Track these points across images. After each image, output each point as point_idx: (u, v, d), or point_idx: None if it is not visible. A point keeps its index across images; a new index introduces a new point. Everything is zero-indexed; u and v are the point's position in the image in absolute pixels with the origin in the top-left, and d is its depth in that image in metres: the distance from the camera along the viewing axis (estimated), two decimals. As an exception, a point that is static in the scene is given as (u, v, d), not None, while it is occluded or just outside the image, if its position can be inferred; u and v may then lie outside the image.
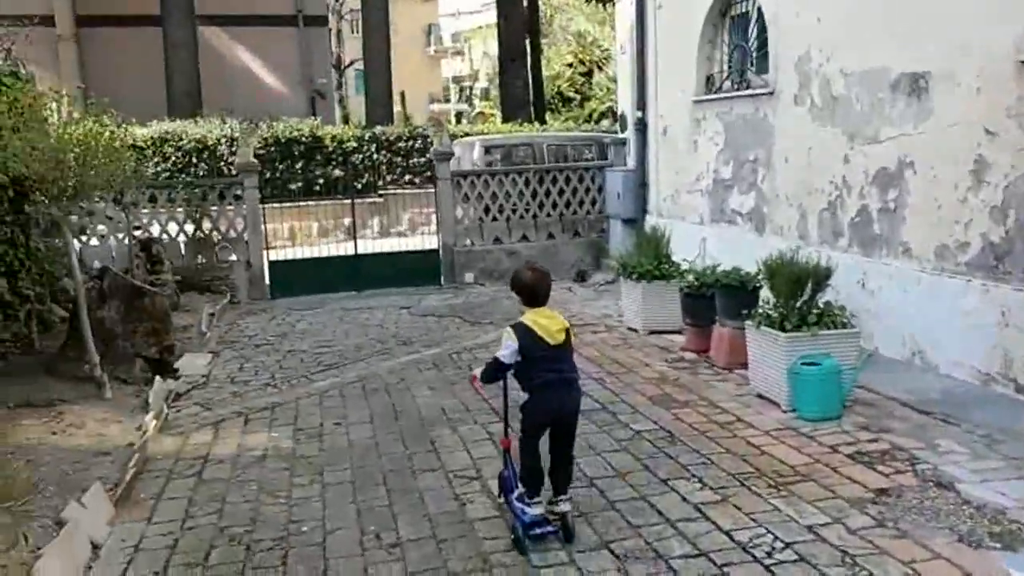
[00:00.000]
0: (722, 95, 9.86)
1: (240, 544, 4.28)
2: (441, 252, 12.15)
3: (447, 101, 50.67)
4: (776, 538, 4.05)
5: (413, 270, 11.99)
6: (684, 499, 4.55)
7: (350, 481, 5.07)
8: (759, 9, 9.04)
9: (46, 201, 6.45)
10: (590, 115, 29.10)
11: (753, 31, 9.36)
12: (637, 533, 4.17)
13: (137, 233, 10.76)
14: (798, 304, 6.08)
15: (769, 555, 3.89)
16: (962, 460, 4.91)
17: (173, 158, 15.82)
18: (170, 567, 4.07)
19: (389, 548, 4.15)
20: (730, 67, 9.92)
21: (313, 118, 18.52)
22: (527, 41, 24.45)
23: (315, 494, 4.90)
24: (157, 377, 7.00)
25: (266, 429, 6.13)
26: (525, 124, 19.85)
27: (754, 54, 9.40)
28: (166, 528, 4.52)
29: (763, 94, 8.86)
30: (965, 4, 6.24)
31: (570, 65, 32.21)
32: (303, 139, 16.60)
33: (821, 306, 6.18)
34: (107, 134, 6.78)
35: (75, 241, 8.25)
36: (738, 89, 9.60)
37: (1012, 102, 5.87)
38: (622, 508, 4.47)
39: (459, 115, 46.58)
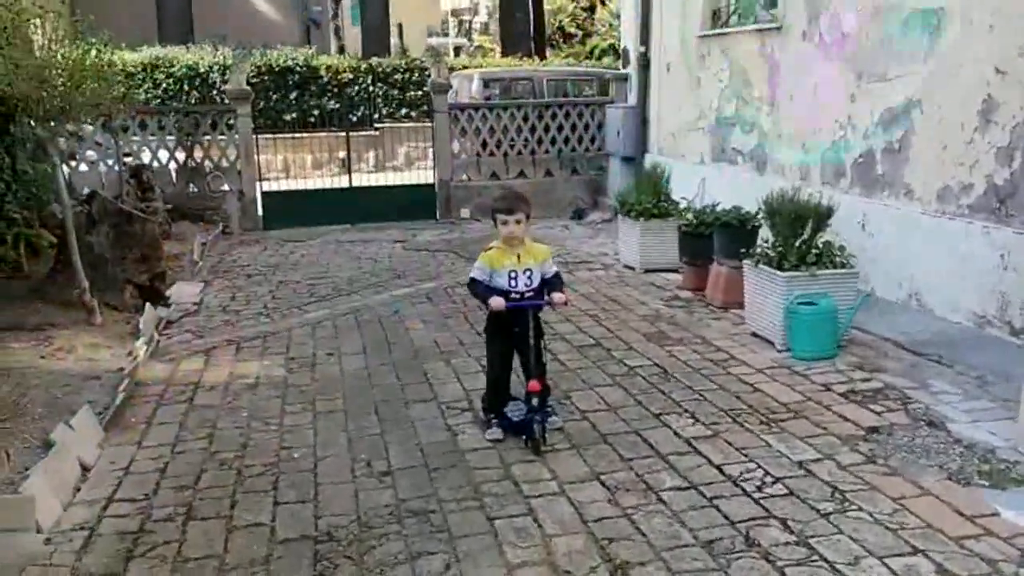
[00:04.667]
0: (728, 30, 9.63)
1: (230, 469, 4.26)
2: (437, 187, 12.01)
3: (446, 35, 49.56)
4: (767, 472, 4.05)
5: (408, 204, 11.86)
6: (676, 434, 4.54)
7: (342, 410, 5.05)
8: (768, -60, 8.78)
9: (31, 122, 6.28)
10: (592, 51, 28.55)
11: (762, -37, 9.10)
12: (628, 466, 4.16)
13: (127, 160, 10.59)
14: (798, 243, 6.01)
15: (759, 489, 3.89)
16: (954, 400, 4.91)
17: (164, 85, 15.54)
18: (160, 490, 4.06)
19: (380, 476, 4.14)
20: (737, 1, 9.67)
21: (308, 47, 18.16)
22: (528, -26, 23.89)
23: (306, 422, 4.88)
24: (148, 304, 6.93)
25: (258, 358, 6.09)
26: (525, 59, 19.49)
27: (762, -13, 9.16)
28: (156, 452, 4.49)
29: (770, 29, 8.65)
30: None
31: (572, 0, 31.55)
32: (297, 68, 16.29)
33: (821, 246, 6.11)
34: (94, 53, 6.56)
35: (64, 167, 8.09)
36: (745, 24, 9.38)
37: (1024, 41, 5.72)
38: (613, 442, 4.46)
39: (458, 49, 45.71)
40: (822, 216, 6.08)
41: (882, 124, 7.11)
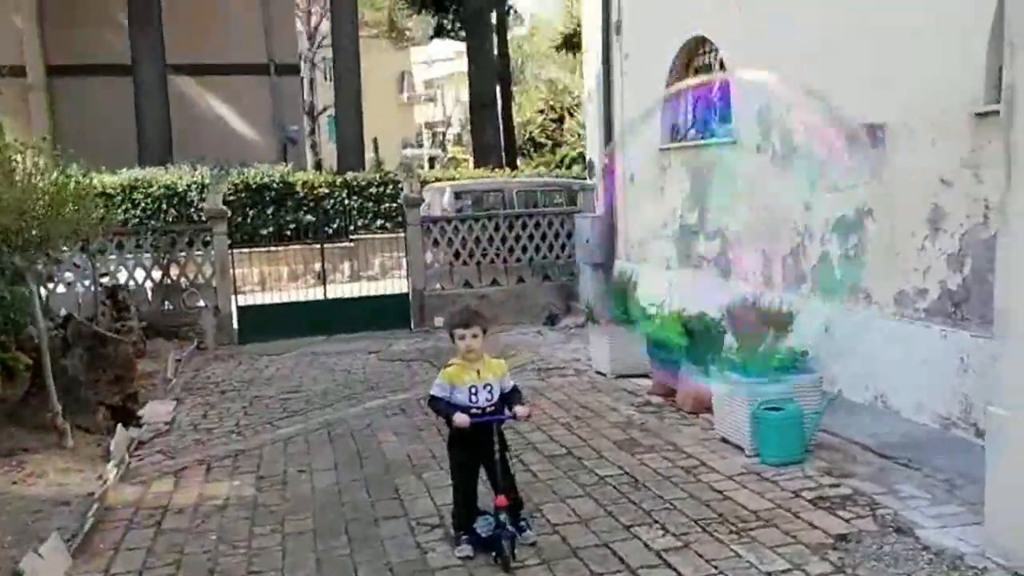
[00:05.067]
0: (687, 143, 10.05)
1: (198, 596, 4.22)
2: (411, 296, 12.18)
3: (420, 146, 50.97)
4: (737, 584, 4.07)
5: (383, 314, 11.99)
6: (646, 546, 4.55)
7: (311, 530, 5.02)
8: (721, 61, 9.27)
9: (10, 251, 6.40)
10: (562, 160, 29.41)
11: (716, 81, 9.58)
12: (599, 581, 4.16)
13: (104, 280, 10.68)
14: (761, 349, 6.16)
15: (730, 602, 3.90)
16: (922, 505, 4.96)
17: (143, 204, 15.79)
18: (125, 621, 4.00)
19: (349, 599, 4.11)
20: (694, 116, 10.13)
21: (284, 164, 18.61)
22: (498, 88, 24.80)
23: (275, 543, 4.84)
24: (119, 425, 6.90)
25: (228, 477, 6.06)
26: (496, 169, 20.05)
27: (717, 103, 9.61)
28: (123, 580, 4.44)
29: (727, 143, 9.05)
30: (920, 58, 6.43)
31: (541, 111, 32.68)
32: (274, 185, 16.66)
33: (784, 351, 6.27)
34: (72, 184, 6.76)
35: (41, 289, 8.18)
36: (702, 137, 9.80)
37: (966, 153, 6.03)
38: (584, 556, 4.46)
39: (432, 160, 46.88)
40: (783, 322, 6.26)
41: (837, 231, 7.39)
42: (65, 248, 7.46)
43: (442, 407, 4.57)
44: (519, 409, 4.61)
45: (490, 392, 4.59)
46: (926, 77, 6.35)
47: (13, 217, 6.09)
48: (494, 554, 4.38)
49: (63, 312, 9.25)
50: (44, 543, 4.54)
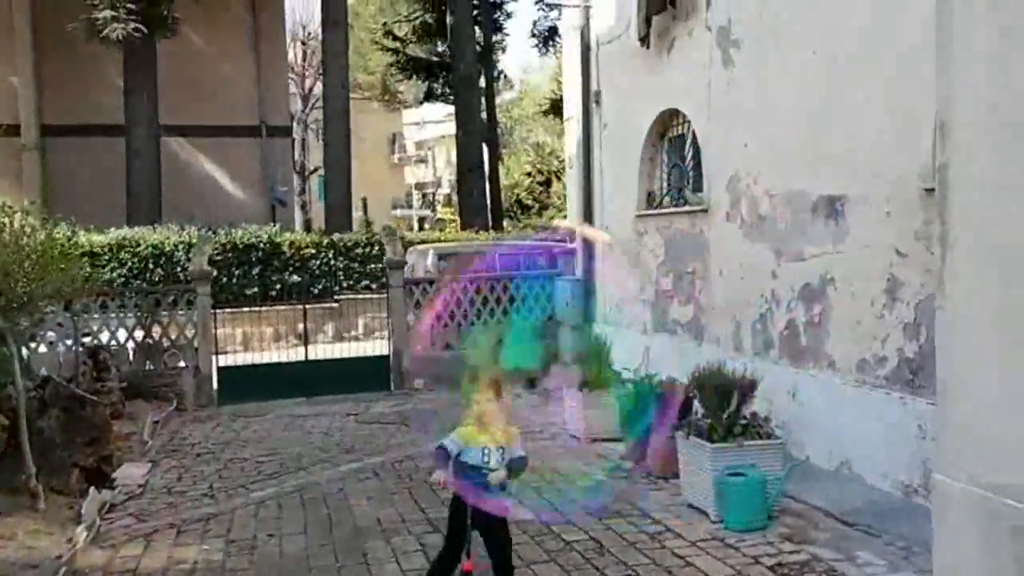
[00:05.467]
0: (662, 211, 10.33)
1: (158, 662, 4.26)
2: (392, 358, 12.29)
3: (410, 207, 51.58)
4: (690, 651, 4.14)
5: (363, 376, 12.07)
6: (606, 612, 4.63)
7: (278, 595, 5.07)
8: (693, 132, 9.59)
9: (-9, 313, 6.54)
10: (548, 223, 29.85)
11: (689, 151, 9.90)
12: (557, 647, 4.23)
13: (86, 340, 10.77)
14: (725, 415, 6.29)
15: (682, 669, 3.97)
16: (879, 572, 5.08)
17: (129, 263, 15.93)
18: None
19: (309, 665, 4.16)
20: (669, 184, 10.43)
21: (273, 224, 18.85)
22: (485, 151, 25.27)
23: (241, 609, 4.89)
24: (92, 488, 6.95)
25: (198, 541, 6.10)
26: (482, 232, 20.35)
27: (691, 173, 9.91)
28: (85, 646, 4.47)
29: (698, 211, 9.31)
30: (874, 134, 6.71)
31: (529, 174, 33.28)
32: (261, 245, 16.85)
33: (748, 416, 6.40)
34: (58, 248, 6.94)
35: (23, 348, 8.28)
36: (676, 205, 10.08)
37: (919, 226, 6.27)
38: (544, 621, 4.53)
39: (422, 220, 47.42)
40: (747, 388, 6.41)
41: (802, 299, 7.60)
42: (50, 308, 7.59)
43: (438, 460, 4.62)
44: (493, 476, 4.57)
45: (502, 455, 4.62)
46: (881, 154, 6.62)
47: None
48: None
49: (43, 372, 9.34)
50: (9, 608, 4.59)
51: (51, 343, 10.81)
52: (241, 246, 16.68)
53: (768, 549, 5.49)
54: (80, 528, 6.11)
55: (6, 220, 6.78)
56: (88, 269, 8.64)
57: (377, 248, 17.53)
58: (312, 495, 7.18)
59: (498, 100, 35.24)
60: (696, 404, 6.98)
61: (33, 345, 10.42)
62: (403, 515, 6.51)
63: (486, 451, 4.59)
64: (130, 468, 8.00)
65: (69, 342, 10.72)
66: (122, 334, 11.44)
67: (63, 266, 7.05)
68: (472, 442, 4.61)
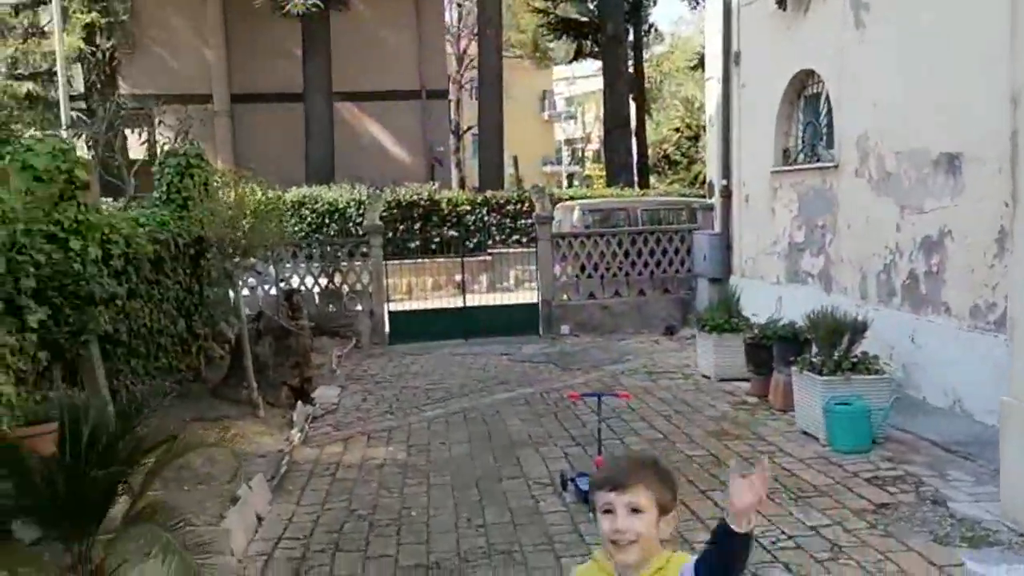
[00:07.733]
0: (796, 167, 10.87)
1: (365, 520, 5.63)
2: (540, 306, 13.46)
3: (559, 163, 52.50)
4: (782, 532, 5.07)
5: (515, 321, 13.32)
6: (716, 504, 5.60)
7: (450, 483, 6.35)
8: (827, 92, 10.08)
9: (222, 257, 8.15)
10: (696, 177, 30.03)
11: (823, 110, 10.39)
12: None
13: (282, 284, 12.54)
14: (835, 354, 7.03)
15: (773, 544, 4.92)
16: (963, 486, 5.77)
17: (308, 219, 17.84)
18: (315, 533, 5.45)
19: (477, 527, 5.40)
20: (803, 142, 10.94)
21: (431, 183, 20.36)
22: (632, 108, 25.83)
23: (422, 491, 6.20)
24: (299, 402, 8.51)
25: (384, 445, 7.51)
26: (627, 188, 21.12)
27: (824, 131, 10.41)
28: (310, 509, 5.91)
29: (830, 167, 9.85)
30: (989, 94, 7.14)
31: (677, 129, 33.36)
32: (422, 202, 18.38)
33: (859, 355, 7.11)
34: (272, 201, 8.47)
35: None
36: (809, 162, 10.61)
37: (1029, 180, 6.72)
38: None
39: (571, 176, 48.29)
40: (857, 330, 7.12)
41: (923, 250, 8.12)
42: (263, 256, 9.17)
43: None
44: None
45: None
46: (994, 113, 7.04)
47: (226, 229, 7.82)
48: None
49: (247, 311, 11.10)
50: (251, 481, 6.07)
51: (252, 287, 12.65)
52: (404, 203, 18.27)
53: (867, 466, 6.27)
54: (294, 431, 7.65)
55: (231, 182, 8.37)
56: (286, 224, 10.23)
57: (527, 205, 18.72)
58: (473, 415, 8.47)
59: (648, 54, 35.43)
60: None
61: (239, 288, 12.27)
62: (549, 432, 7.67)
63: None
64: (325, 390, 9.59)
65: (267, 286, 12.51)
66: (308, 281, 13.18)
67: (275, 220, 8.59)
68: None
